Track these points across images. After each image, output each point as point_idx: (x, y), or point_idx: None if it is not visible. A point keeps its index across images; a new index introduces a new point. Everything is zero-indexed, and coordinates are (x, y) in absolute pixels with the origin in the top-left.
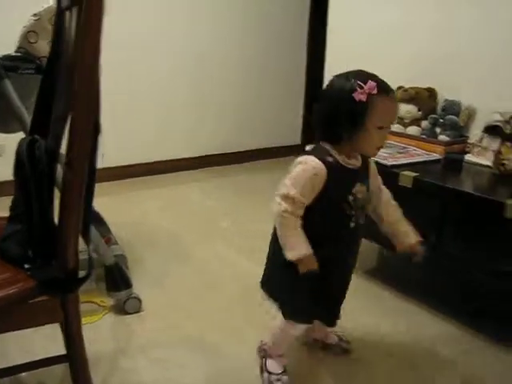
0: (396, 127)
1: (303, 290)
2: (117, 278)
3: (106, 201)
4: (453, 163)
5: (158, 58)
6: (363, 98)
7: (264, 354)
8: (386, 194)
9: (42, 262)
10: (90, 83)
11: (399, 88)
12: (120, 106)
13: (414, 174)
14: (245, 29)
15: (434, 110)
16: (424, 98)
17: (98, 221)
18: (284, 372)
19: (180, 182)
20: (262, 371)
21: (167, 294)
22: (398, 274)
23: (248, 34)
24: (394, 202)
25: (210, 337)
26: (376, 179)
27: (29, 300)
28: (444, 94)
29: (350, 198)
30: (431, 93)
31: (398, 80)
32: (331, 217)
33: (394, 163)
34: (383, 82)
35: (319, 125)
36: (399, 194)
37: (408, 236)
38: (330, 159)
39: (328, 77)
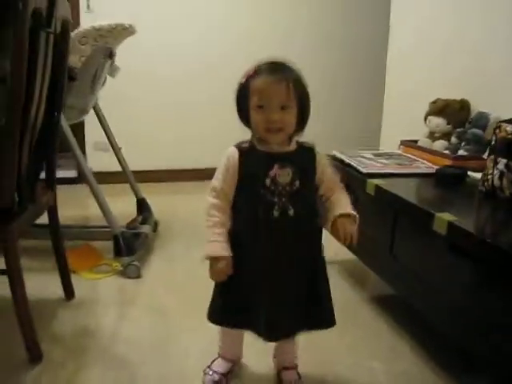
0: (424, 141)
1: (220, 287)
2: (121, 246)
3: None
4: (444, 177)
5: (185, 66)
6: (243, 80)
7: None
8: (336, 191)
9: None
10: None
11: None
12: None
13: (378, 183)
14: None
15: (464, 124)
16: (454, 111)
17: (145, 207)
18: (222, 374)
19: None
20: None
21: (174, 272)
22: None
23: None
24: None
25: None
26: (324, 174)
27: None
28: (479, 107)
29: (267, 180)
30: (463, 105)
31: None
32: (251, 204)
33: (369, 171)
34: (267, 64)
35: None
36: (366, 201)
37: (337, 206)
38: (245, 145)
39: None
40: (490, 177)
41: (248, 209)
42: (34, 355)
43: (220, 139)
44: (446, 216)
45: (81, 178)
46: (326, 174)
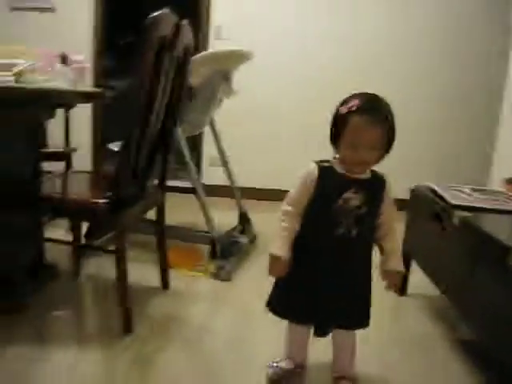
0: None
1: (286, 282)
2: (216, 250)
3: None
4: None
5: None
6: (343, 111)
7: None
8: (391, 224)
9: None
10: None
11: None
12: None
13: (464, 215)
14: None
15: None
16: None
17: (246, 218)
18: (287, 370)
19: None
20: None
21: (264, 280)
22: None
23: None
24: (395, 234)
25: None
26: (389, 205)
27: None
28: None
29: (340, 201)
30: None
31: None
32: (320, 219)
33: (458, 203)
34: (370, 103)
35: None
36: (449, 230)
37: (389, 259)
38: (326, 164)
39: None
40: None
41: (317, 222)
42: (126, 328)
43: None
44: None
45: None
46: (390, 205)
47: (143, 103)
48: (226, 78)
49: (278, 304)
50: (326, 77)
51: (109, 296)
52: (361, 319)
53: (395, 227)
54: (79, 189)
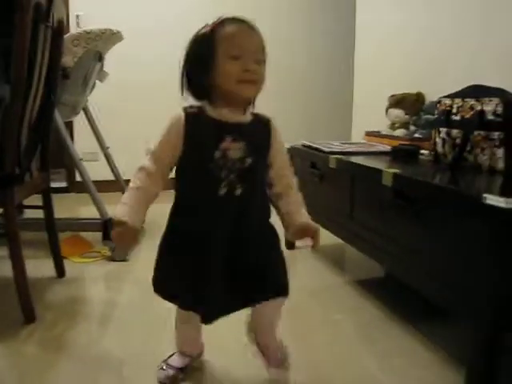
0: (386, 131)
1: (168, 260)
2: (109, 231)
3: None
4: (398, 152)
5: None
6: (207, 30)
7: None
8: (288, 177)
9: None
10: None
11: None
12: None
13: (338, 157)
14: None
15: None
16: (410, 102)
17: None
18: (179, 369)
19: None
20: None
21: None
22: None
23: None
24: (295, 190)
25: None
26: (279, 152)
27: None
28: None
29: (217, 153)
30: (418, 97)
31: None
32: (196, 178)
33: (332, 150)
34: (235, 17)
35: (184, 84)
36: (328, 175)
37: (296, 216)
38: (193, 109)
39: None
40: (434, 146)
41: (193, 183)
42: (29, 316)
43: None
44: (392, 170)
45: (71, 188)
46: (280, 152)
47: (22, 76)
48: (98, 58)
49: (162, 285)
50: None
51: (6, 289)
52: (275, 286)
53: (292, 179)
54: None
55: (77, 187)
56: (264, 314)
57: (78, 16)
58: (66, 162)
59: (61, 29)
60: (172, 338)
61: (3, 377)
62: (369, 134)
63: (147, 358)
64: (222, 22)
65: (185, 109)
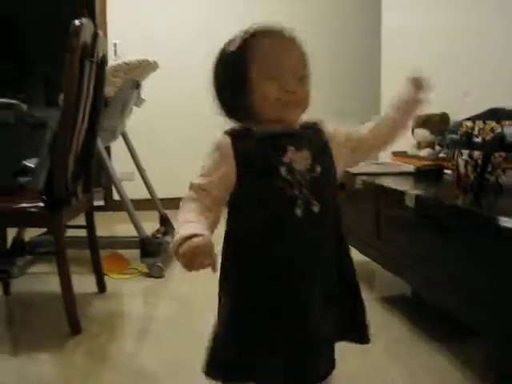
0: (412, 151)
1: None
2: (147, 249)
3: None
4: (422, 173)
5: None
6: (236, 44)
7: None
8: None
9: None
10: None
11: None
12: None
13: (364, 178)
14: None
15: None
16: (435, 122)
17: (166, 220)
18: None
19: None
20: None
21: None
22: None
23: None
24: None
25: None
26: (341, 136)
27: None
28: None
29: (282, 169)
30: (442, 117)
31: None
32: (263, 203)
33: (358, 171)
34: (268, 27)
35: (221, 108)
36: (355, 195)
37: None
38: (238, 130)
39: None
40: (456, 167)
41: (256, 207)
42: (75, 328)
43: None
44: (414, 192)
45: (108, 206)
46: (340, 136)
47: (71, 108)
48: (136, 86)
49: (230, 366)
50: None
51: (49, 305)
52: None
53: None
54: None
55: (113, 205)
56: None
57: (115, 44)
58: (103, 181)
59: (103, 63)
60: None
61: (52, 380)
62: (395, 154)
63: (181, 371)
64: (253, 36)
65: (228, 132)
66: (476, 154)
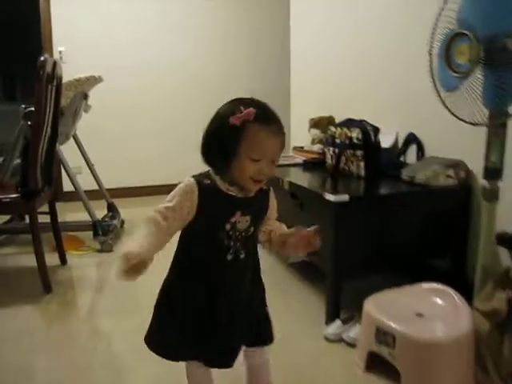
0: (308, 146)
1: (173, 320)
2: (99, 230)
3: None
4: (308, 164)
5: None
6: (237, 122)
7: None
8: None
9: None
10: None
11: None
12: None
13: None
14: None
15: None
16: (324, 124)
17: (113, 207)
18: None
19: None
20: None
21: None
22: None
23: None
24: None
25: None
26: (273, 209)
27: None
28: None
29: (228, 226)
30: (329, 119)
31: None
32: (207, 244)
33: None
34: (269, 112)
35: (202, 151)
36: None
37: (287, 232)
38: (206, 181)
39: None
40: (328, 160)
41: (203, 246)
42: (47, 288)
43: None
44: (288, 179)
45: (58, 198)
46: (274, 209)
47: (41, 122)
48: (84, 97)
49: (166, 343)
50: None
51: (22, 276)
52: (269, 335)
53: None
54: None
55: (63, 197)
56: (256, 357)
57: (60, 52)
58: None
59: (60, 83)
60: None
61: (36, 323)
62: (295, 148)
63: (130, 311)
64: (255, 119)
65: (197, 180)
66: (337, 150)
